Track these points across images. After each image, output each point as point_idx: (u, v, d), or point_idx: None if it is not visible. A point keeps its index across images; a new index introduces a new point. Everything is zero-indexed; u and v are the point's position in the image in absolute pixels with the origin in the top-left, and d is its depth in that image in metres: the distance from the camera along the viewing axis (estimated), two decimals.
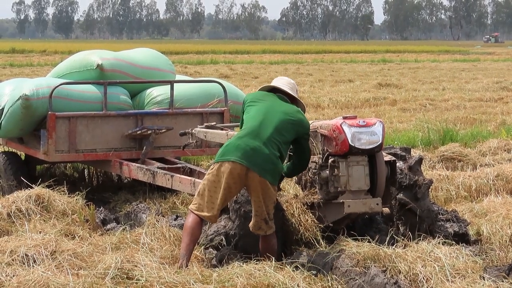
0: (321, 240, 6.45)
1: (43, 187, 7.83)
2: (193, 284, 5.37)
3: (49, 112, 8.78)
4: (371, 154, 6.47)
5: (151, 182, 8.57)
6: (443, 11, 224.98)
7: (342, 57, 58.25)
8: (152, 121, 9.27)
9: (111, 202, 9.28)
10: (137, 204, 8.38)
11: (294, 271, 5.64)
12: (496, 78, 30.81)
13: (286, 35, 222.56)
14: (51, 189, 7.82)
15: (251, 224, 6.26)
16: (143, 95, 9.57)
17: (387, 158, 6.67)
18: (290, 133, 6.30)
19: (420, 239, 6.25)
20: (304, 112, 6.56)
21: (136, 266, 5.67)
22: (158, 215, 7.44)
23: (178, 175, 8.21)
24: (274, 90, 6.60)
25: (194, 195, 7.80)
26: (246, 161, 6.06)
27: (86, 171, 10.57)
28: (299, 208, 6.61)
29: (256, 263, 5.67)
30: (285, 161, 6.56)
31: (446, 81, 30.25)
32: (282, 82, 6.65)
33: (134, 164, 8.85)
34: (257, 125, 6.22)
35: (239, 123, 6.78)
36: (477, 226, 7.38)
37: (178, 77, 10.44)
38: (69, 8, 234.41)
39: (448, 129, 13.36)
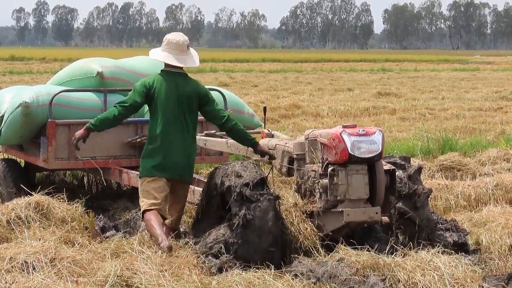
0: (320, 249, 6.45)
1: (43, 195, 7.82)
2: None
3: (49, 120, 8.78)
4: (371, 163, 6.48)
5: None
6: (442, 21, 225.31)
7: (342, 66, 58.26)
8: None
9: (110, 210, 9.28)
10: (136, 212, 8.38)
11: (293, 279, 5.64)
12: (495, 87, 30.83)
13: (286, 43, 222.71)
14: (51, 197, 7.81)
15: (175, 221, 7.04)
16: None
17: (387, 167, 6.68)
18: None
19: (419, 248, 6.25)
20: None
21: (135, 273, 5.67)
22: None
23: None
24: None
25: (192, 203, 7.85)
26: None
27: (85, 179, 10.56)
28: (298, 216, 6.61)
29: (256, 271, 5.67)
30: None
31: (446, 90, 30.27)
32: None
33: (133, 171, 8.84)
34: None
35: None
36: (476, 235, 7.39)
37: None
38: (69, 16, 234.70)
39: (447, 139, 13.38)
